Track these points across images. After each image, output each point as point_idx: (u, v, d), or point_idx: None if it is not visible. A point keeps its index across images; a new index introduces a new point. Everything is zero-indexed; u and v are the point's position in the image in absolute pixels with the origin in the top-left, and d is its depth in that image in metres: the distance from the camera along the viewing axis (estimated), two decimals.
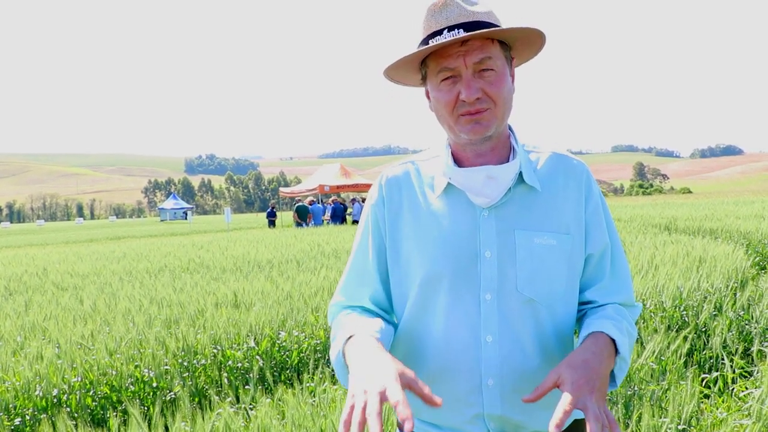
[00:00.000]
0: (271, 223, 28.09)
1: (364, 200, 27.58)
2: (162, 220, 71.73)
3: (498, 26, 1.22)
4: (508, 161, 1.29)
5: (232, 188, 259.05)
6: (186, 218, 68.05)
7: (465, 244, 1.26)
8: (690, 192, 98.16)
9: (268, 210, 29.04)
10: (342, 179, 29.76)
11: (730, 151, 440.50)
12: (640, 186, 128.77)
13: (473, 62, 1.20)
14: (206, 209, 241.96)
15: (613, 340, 1.19)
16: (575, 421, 1.31)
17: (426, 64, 1.28)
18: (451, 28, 1.20)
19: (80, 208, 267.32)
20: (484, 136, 1.24)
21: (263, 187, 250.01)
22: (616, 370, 1.22)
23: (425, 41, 1.23)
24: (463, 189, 1.27)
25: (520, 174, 1.27)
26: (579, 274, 1.30)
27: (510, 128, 1.35)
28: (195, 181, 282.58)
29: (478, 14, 1.21)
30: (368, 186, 29.93)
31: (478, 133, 1.23)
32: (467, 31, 1.18)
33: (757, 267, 7.89)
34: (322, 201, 28.71)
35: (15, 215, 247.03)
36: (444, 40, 1.18)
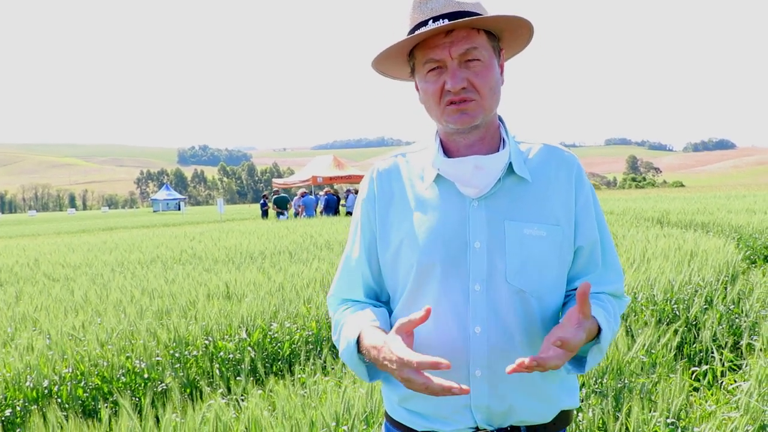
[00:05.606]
0: (264, 213, 28.17)
1: (357, 192, 27.37)
2: (155, 211, 71.35)
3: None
4: (497, 152, 1.29)
5: (225, 179, 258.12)
6: (179, 209, 67.83)
7: (454, 235, 1.26)
8: (682, 185, 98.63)
9: (261, 201, 29.12)
10: (335, 170, 29.71)
11: (722, 145, 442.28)
12: (633, 179, 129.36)
13: (458, 53, 1.20)
14: (199, 200, 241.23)
15: (599, 329, 1.20)
16: (562, 411, 1.32)
17: (413, 55, 1.27)
18: (435, 19, 1.20)
19: (72, 199, 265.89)
20: (471, 126, 1.24)
21: (256, 178, 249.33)
22: (589, 357, 1.22)
23: (411, 33, 1.23)
24: (452, 179, 1.28)
25: (510, 165, 1.27)
26: (568, 265, 1.30)
27: (500, 119, 1.35)
28: (188, 171, 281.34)
29: (463, 4, 1.21)
30: (361, 177, 29.84)
31: (465, 122, 1.23)
32: (452, 21, 1.17)
33: (747, 261, 7.94)
34: (314, 192, 28.66)
35: (7, 206, 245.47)
36: (427, 29, 1.18)
